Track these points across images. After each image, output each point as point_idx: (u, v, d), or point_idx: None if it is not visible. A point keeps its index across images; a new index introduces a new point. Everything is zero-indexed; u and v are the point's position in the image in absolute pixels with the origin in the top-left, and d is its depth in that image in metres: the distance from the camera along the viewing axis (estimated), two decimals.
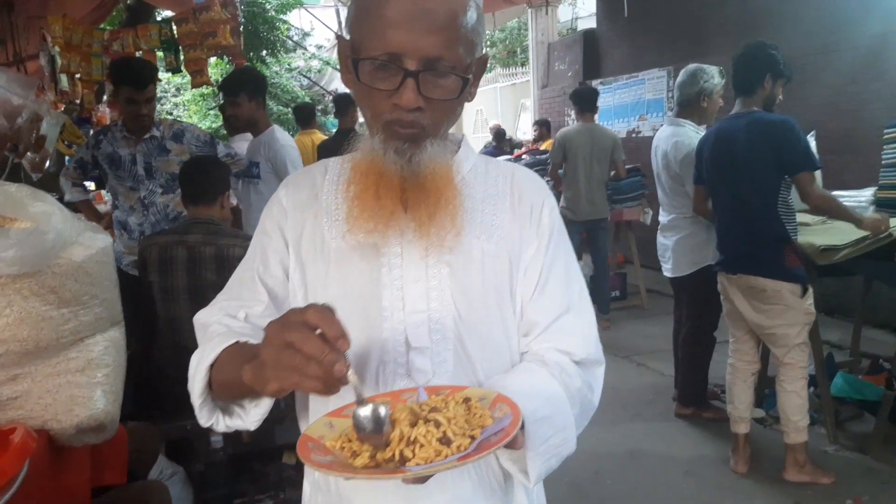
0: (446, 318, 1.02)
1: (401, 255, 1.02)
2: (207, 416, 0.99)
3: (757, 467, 3.35)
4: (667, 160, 3.72)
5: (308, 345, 0.75)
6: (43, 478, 1.15)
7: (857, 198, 3.71)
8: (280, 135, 3.68)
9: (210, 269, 2.71)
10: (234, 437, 2.87)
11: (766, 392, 3.96)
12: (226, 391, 0.97)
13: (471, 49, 0.96)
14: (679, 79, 3.76)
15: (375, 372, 1.01)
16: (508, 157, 8.96)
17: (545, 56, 10.58)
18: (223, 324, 1.05)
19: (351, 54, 0.97)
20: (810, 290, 3.05)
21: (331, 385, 0.76)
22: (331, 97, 20.08)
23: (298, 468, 2.92)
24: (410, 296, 1.02)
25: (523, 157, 8.79)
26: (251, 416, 0.99)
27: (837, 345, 4.86)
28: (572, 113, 5.99)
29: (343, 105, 5.48)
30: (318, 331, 0.77)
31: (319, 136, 6.18)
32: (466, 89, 0.97)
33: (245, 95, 3.53)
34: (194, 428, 2.74)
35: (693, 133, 3.66)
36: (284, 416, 2.99)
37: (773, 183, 3.03)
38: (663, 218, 3.93)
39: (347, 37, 1.00)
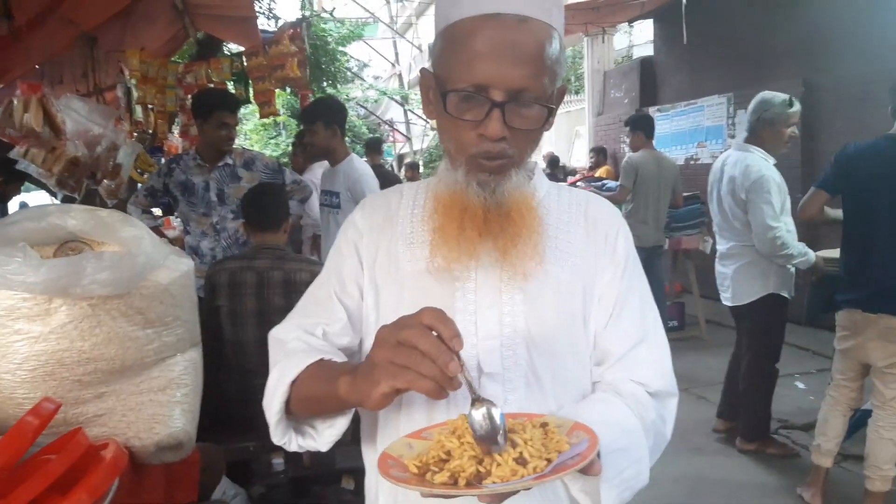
0: (518, 345, 1.03)
1: (475, 279, 1.03)
2: (282, 434, 1.02)
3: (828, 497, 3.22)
4: (733, 185, 3.60)
5: (424, 342, 0.76)
6: (125, 495, 1.20)
7: None
8: (358, 164, 3.70)
9: (278, 294, 2.78)
10: (294, 459, 2.91)
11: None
12: (306, 407, 0.99)
13: (553, 79, 0.98)
14: (750, 106, 3.68)
15: (448, 397, 1.03)
16: (563, 183, 8.97)
17: (601, 84, 10.56)
18: (303, 340, 1.07)
19: (437, 86, 0.99)
20: None
21: (444, 384, 0.76)
22: (386, 126, 20.48)
23: (357, 492, 2.94)
24: (484, 321, 1.03)
25: (578, 183, 8.77)
26: (324, 437, 1.02)
27: None
28: (628, 139, 5.93)
29: (373, 146, 7.14)
30: (435, 333, 0.78)
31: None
32: (549, 120, 0.99)
33: (321, 124, 3.56)
34: (257, 449, 2.80)
35: (762, 160, 3.54)
36: (345, 440, 3.03)
37: None
38: (722, 246, 3.84)
39: (432, 70, 1.03)
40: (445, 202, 1.01)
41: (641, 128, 5.79)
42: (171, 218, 6.27)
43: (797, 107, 3.55)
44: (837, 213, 3.25)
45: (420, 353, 0.76)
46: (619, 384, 1.05)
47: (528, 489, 0.78)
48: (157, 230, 3.92)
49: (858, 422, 3.29)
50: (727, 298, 3.84)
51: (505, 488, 0.77)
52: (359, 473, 2.90)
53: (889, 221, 2.90)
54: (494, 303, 1.03)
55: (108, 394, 1.42)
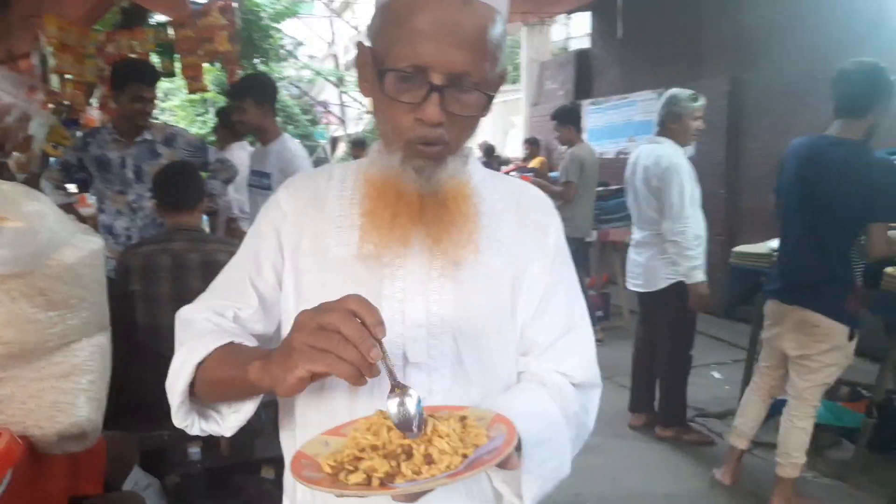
0: (445, 334, 1.01)
1: (404, 266, 1.01)
2: (184, 417, 0.99)
3: (737, 492, 3.36)
4: (647, 174, 3.77)
5: (347, 326, 0.75)
6: (22, 485, 1.12)
7: None
8: (292, 144, 3.57)
9: (195, 277, 2.68)
10: (212, 449, 2.82)
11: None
12: (212, 390, 0.96)
13: (494, 64, 0.95)
14: (659, 102, 3.91)
15: (370, 386, 1.00)
16: (496, 172, 9.02)
17: (537, 74, 10.66)
18: (212, 321, 1.04)
19: (374, 63, 0.96)
20: (856, 337, 2.99)
21: (364, 370, 0.75)
22: (320, 107, 20.15)
23: (277, 482, 2.88)
24: (411, 309, 1.00)
25: (511, 173, 8.85)
26: (229, 422, 0.99)
27: None
28: (557, 133, 5.98)
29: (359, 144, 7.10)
30: (357, 319, 0.77)
31: None
32: (488, 107, 0.96)
33: (252, 101, 3.40)
34: (171, 438, 2.70)
35: (671, 150, 3.72)
36: (263, 429, 2.96)
37: (857, 227, 2.90)
38: (637, 235, 3.99)
39: (369, 45, 0.99)
40: (378, 187, 0.98)
41: (572, 121, 5.88)
42: (87, 195, 5.98)
43: (702, 101, 3.80)
44: None
45: (342, 337, 0.75)
46: (543, 375, 1.05)
47: (443, 486, 0.76)
48: (70, 207, 3.72)
49: (772, 410, 3.45)
50: (638, 285, 3.98)
51: (417, 487, 0.75)
52: (279, 463, 2.84)
53: (803, 225, 3.02)
54: (422, 290, 1.01)
55: (5, 379, 1.33)
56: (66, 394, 1.38)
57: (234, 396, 0.96)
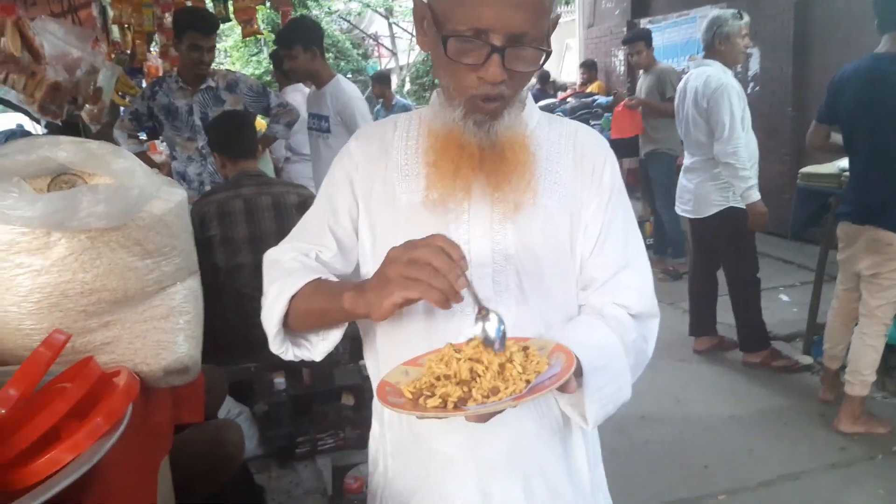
0: (509, 272, 1.07)
1: (468, 210, 1.07)
2: (279, 345, 1.10)
3: (803, 413, 3.39)
4: (696, 96, 3.73)
5: (438, 259, 0.84)
6: (135, 417, 1.26)
7: None
8: (346, 85, 3.59)
9: (268, 218, 2.80)
10: (295, 378, 3.01)
11: (814, 338, 3.95)
12: (305, 320, 1.06)
13: (548, 16, 0.99)
14: (703, 25, 3.83)
15: (444, 321, 1.08)
16: (553, 99, 8.82)
17: None
18: (299, 261, 1.13)
19: (434, 24, 0.99)
20: None
21: (451, 297, 0.84)
22: (371, 40, 19.90)
23: (357, 409, 3.06)
24: (476, 250, 1.07)
25: (568, 99, 8.65)
26: (318, 348, 1.10)
27: None
28: (635, 56, 5.73)
29: (382, 79, 7.37)
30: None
31: None
32: (546, 59, 1.00)
33: (300, 47, 3.44)
34: (258, 370, 2.89)
35: (721, 73, 3.67)
36: (341, 360, 3.12)
37: None
38: (687, 160, 3.97)
39: (425, 1, 1.02)
40: (442, 139, 1.04)
41: (648, 44, 5.68)
42: (157, 142, 6.18)
43: (747, 18, 3.73)
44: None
45: (434, 268, 0.84)
46: (602, 307, 1.11)
47: (507, 409, 0.85)
48: (144, 155, 3.88)
49: None
50: (687, 211, 3.98)
51: (486, 409, 0.84)
52: (357, 390, 3.03)
53: (868, 144, 2.98)
54: (486, 233, 1.07)
55: (113, 322, 1.45)
56: (168, 333, 1.49)
57: (325, 324, 1.06)
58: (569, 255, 1.12)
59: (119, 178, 1.46)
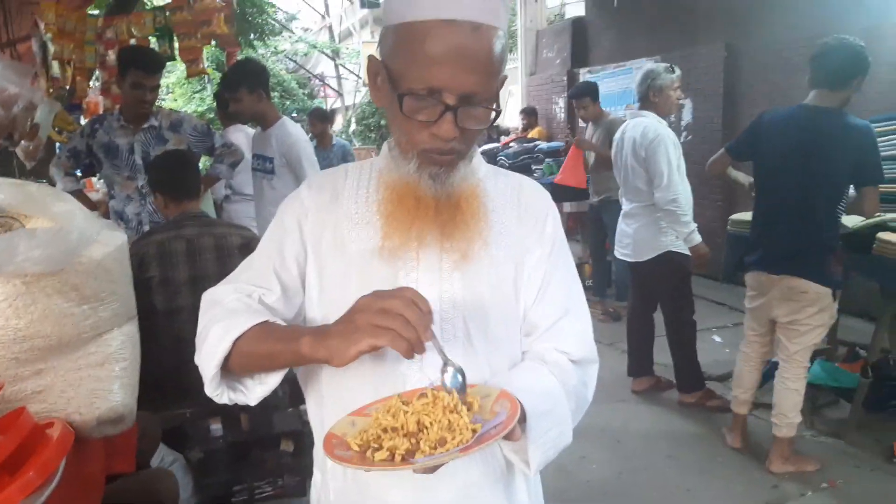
0: (457, 318, 1.10)
1: (417, 259, 1.09)
2: (215, 387, 1.07)
3: (737, 452, 3.48)
4: (633, 146, 3.89)
5: (410, 310, 0.88)
6: (68, 468, 1.22)
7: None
8: (292, 128, 3.61)
9: (210, 259, 2.76)
10: (232, 424, 2.93)
11: None
12: (247, 362, 1.04)
13: (499, 77, 1.04)
14: (637, 78, 4.04)
15: (392, 367, 1.09)
16: (496, 143, 8.99)
17: (533, 43, 10.62)
18: (243, 301, 1.10)
19: (390, 82, 1.03)
20: (839, 295, 3.14)
21: (417, 348, 0.88)
22: (317, 81, 20.00)
23: (296, 455, 3.00)
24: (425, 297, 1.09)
25: (511, 144, 8.83)
26: (255, 393, 1.08)
27: None
28: (583, 110, 5.80)
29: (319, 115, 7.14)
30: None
31: None
32: (496, 118, 1.05)
33: (245, 90, 3.46)
34: (193, 415, 2.81)
35: (657, 123, 3.85)
36: (280, 404, 3.06)
37: (843, 190, 3.03)
38: (626, 206, 4.12)
39: (381, 59, 1.06)
40: (398, 191, 1.07)
41: (597, 97, 5.84)
42: (93, 180, 6.04)
43: (678, 72, 3.95)
44: (738, 175, 3.61)
45: (405, 319, 0.87)
46: (544, 353, 1.15)
47: (456, 459, 0.86)
48: (80, 193, 3.79)
49: (767, 374, 3.56)
50: (626, 255, 4.13)
51: (434, 461, 0.85)
52: (297, 436, 2.97)
53: (788, 194, 3.12)
54: (435, 280, 1.10)
55: (46, 370, 1.41)
56: (103, 381, 1.46)
57: (269, 368, 1.05)
58: (514, 303, 1.15)
59: (58, 221, 1.44)
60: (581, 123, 6.88)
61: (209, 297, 1.16)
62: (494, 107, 1.03)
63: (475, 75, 0.97)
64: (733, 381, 3.58)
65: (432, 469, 0.90)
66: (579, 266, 6.85)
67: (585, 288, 4.46)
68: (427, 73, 0.96)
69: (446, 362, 0.96)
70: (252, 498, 2.86)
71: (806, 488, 3.12)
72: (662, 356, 4.25)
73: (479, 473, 1.11)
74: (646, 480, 3.29)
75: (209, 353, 1.05)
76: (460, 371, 0.96)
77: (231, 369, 1.06)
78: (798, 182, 3.08)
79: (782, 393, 3.22)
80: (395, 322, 0.87)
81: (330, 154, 6.59)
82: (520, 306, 1.16)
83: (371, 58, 1.09)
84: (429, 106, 0.99)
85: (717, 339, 5.28)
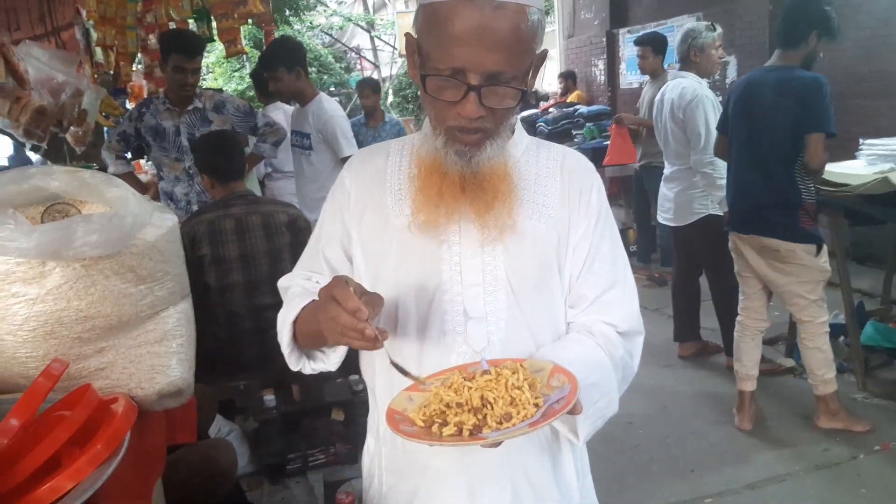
0: (500, 291, 1.12)
1: (459, 233, 1.12)
2: (296, 362, 1.18)
3: (788, 415, 3.45)
4: (672, 107, 3.84)
5: (340, 319, 0.92)
6: (132, 441, 1.29)
7: (891, 145, 3.68)
8: (328, 104, 3.64)
9: (258, 237, 2.83)
10: (285, 395, 3.02)
11: (795, 341, 4.01)
12: (308, 340, 1.14)
13: (531, 53, 1.03)
14: (677, 37, 3.95)
15: (437, 338, 1.12)
16: (535, 110, 8.90)
17: (571, 5, 10.38)
18: (301, 286, 1.22)
19: (419, 64, 1.05)
20: (825, 248, 3.09)
21: (370, 346, 0.93)
22: (353, 54, 19.95)
23: (347, 424, 3.08)
24: (468, 270, 1.12)
25: (550, 110, 8.73)
26: (331, 359, 1.17)
27: (868, 293, 4.87)
28: (645, 59, 5.57)
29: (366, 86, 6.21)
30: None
31: None
32: (523, 98, 1.04)
33: (284, 69, 3.49)
34: (247, 388, 2.91)
35: (696, 83, 3.78)
36: (331, 375, 3.15)
37: (794, 144, 2.99)
38: (667, 169, 4.07)
39: (415, 36, 1.07)
40: (426, 166, 1.09)
41: (660, 51, 5.52)
42: (142, 162, 6.19)
43: (720, 30, 3.86)
44: None
45: (342, 325, 0.92)
46: (591, 325, 1.16)
47: (525, 434, 0.88)
48: (131, 175, 3.90)
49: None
50: (668, 219, 4.09)
51: (503, 436, 0.87)
52: (347, 405, 3.05)
53: (745, 153, 3.14)
54: (477, 253, 1.12)
55: (108, 348, 1.48)
56: (161, 357, 1.53)
57: (323, 342, 1.12)
58: (557, 276, 1.16)
59: (112, 206, 1.50)
60: (640, 78, 6.42)
61: (280, 285, 1.29)
62: (521, 87, 1.02)
63: (498, 54, 0.97)
64: (734, 357, 3.50)
65: (498, 444, 0.92)
66: (623, 231, 6.73)
67: (630, 254, 4.41)
68: (450, 53, 0.97)
69: (403, 373, 1.01)
70: (306, 465, 2.96)
71: (858, 451, 3.08)
72: (710, 321, 4.20)
73: (526, 442, 1.14)
74: (693, 446, 3.29)
75: (280, 337, 1.17)
76: (418, 379, 1.01)
77: (303, 346, 1.17)
78: (748, 143, 3.12)
79: (805, 353, 3.24)
80: (336, 330, 0.93)
81: (381, 133, 5.80)
82: (564, 278, 1.17)
83: (408, 35, 1.10)
84: (453, 86, 0.99)
85: (738, 320, 5.17)
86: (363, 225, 1.18)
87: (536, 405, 0.91)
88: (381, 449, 1.23)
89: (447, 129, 1.05)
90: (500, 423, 0.89)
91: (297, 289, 1.21)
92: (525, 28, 0.98)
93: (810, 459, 3.06)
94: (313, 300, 1.11)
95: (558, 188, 1.17)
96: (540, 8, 1.03)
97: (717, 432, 3.39)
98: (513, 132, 1.17)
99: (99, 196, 1.51)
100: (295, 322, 1.14)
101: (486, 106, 1.00)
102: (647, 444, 3.32)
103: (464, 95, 0.99)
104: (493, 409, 0.91)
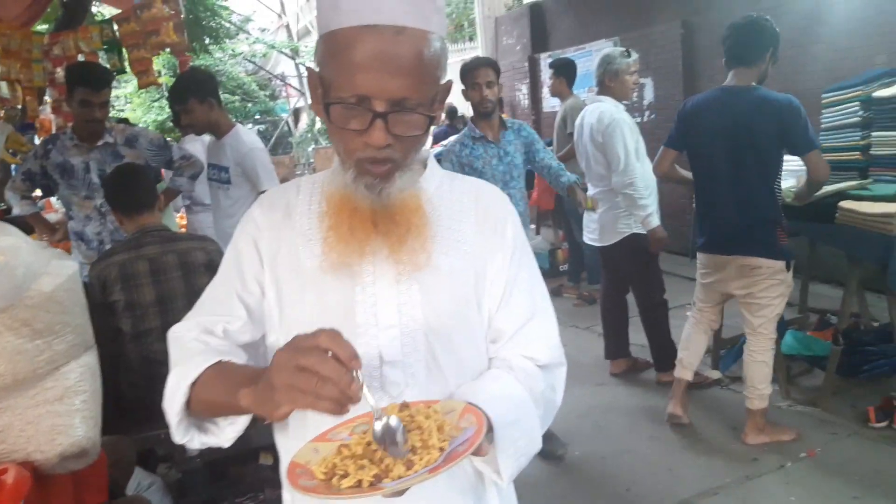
0: (417, 332, 1.08)
1: (373, 273, 1.07)
2: (183, 434, 1.03)
3: (716, 427, 3.52)
4: (591, 131, 3.91)
5: (325, 367, 0.80)
6: None
7: (797, 162, 3.85)
8: (246, 136, 3.51)
9: (175, 278, 2.71)
10: None
11: (721, 353, 4.14)
12: (206, 409, 1.01)
13: (435, 80, 1.01)
14: (594, 63, 4.05)
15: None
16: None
17: (493, 31, 10.59)
18: (201, 340, 1.09)
19: (321, 93, 1.01)
20: (792, 264, 3.20)
21: (344, 404, 0.81)
22: (278, 81, 19.78)
23: (276, 467, 2.97)
24: (383, 312, 1.07)
25: None
26: (226, 433, 1.04)
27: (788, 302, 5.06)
28: (549, 82, 5.78)
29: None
30: (330, 353, 0.81)
31: None
32: (431, 125, 1.01)
33: (195, 100, 3.35)
34: (168, 436, 2.76)
35: (613, 107, 3.87)
36: (258, 418, 3.04)
37: (776, 164, 3.11)
38: (590, 191, 4.11)
39: (317, 69, 1.03)
40: (335, 202, 1.04)
41: (566, 74, 5.78)
42: (52, 200, 5.91)
43: (635, 56, 3.97)
44: (683, 173, 3.58)
45: (321, 377, 0.79)
46: (510, 359, 1.13)
47: (425, 480, 0.84)
48: (38, 216, 3.71)
49: (739, 349, 3.61)
50: (593, 240, 4.15)
51: (403, 484, 0.83)
52: (276, 449, 2.93)
53: (723, 175, 3.21)
54: (392, 294, 1.07)
55: (2, 410, 1.38)
56: (63, 416, 1.43)
57: (225, 413, 1.01)
58: (476, 312, 1.13)
59: (4, 256, 1.40)
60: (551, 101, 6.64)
61: (171, 336, 1.14)
62: (429, 113, 0.99)
63: (402, 79, 0.94)
64: (680, 345, 3.62)
65: (401, 492, 0.87)
66: (553, 251, 6.88)
67: (560, 273, 4.51)
68: (354, 81, 0.94)
69: (377, 416, 0.89)
70: None
71: (785, 459, 3.16)
72: (638, 337, 4.28)
73: (446, 487, 1.09)
74: (629, 463, 3.31)
75: (168, 401, 1.02)
76: (392, 421, 0.90)
77: (196, 415, 1.03)
78: (728, 163, 3.18)
79: (751, 366, 3.28)
80: (311, 382, 0.80)
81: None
82: (483, 314, 1.14)
83: (309, 70, 1.07)
84: (359, 114, 0.96)
85: (690, 314, 5.32)
86: (277, 265, 1.12)
87: (441, 449, 0.88)
88: None
89: (357, 162, 1.01)
90: (407, 470, 0.86)
91: (197, 344, 1.08)
92: (427, 53, 0.96)
93: (741, 471, 3.12)
94: (219, 361, 1.01)
95: (473, 222, 1.15)
96: (442, 36, 1.01)
97: (652, 448, 3.43)
98: (425, 166, 1.15)
99: None
100: (192, 385, 1.01)
101: (393, 134, 0.97)
102: (581, 465, 3.33)
103: (370, 123, 0.96)
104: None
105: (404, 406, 0.97)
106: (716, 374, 4.08)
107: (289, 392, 0.81)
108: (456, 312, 1.11)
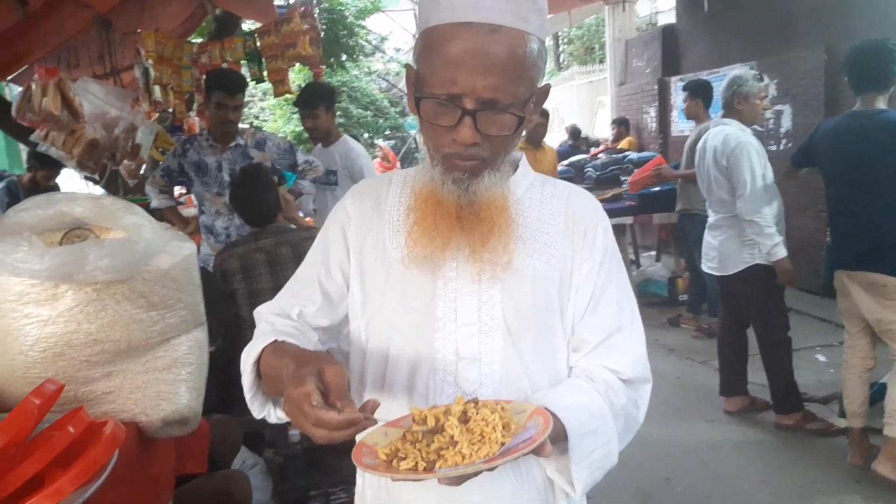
0: (495, 332, 1.07)
1: (456, 269, 1.08)
2: (259, 409, 1.10)
3: (834, 478, 3.25)
4: (715, 154, 3.76)
5: (311, 417, 0.83)
6: (131, 467, 1.27)
7: None
8: (354, 144, 3.93)
9: (290, 268, 2.83)
10: None
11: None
12: (271, 386, 1.06)
13: (531, 83, 1.00)
14: (723, 83, 3.90)
15: (426, 378, 1.08)
16: (584, 155, 8.86)
17: (623, 53, 10.41)
18: (270, 322, 1.15)
19: (415, 88, 1.03)
20: None
21: (335, 438, 0.84)
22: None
23: None
24: (463, 308, 1.07)
25: (599, 155, 8.67)
26: None
27: None
28: (679, 108, 5.62)
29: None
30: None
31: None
32: (521, 126, 1.01)
33: (323, 108, 3.72)
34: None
35: (739, 131, 3.71)
36: None
37: None
38: (711, 217, 3.96)
39: (415, 66, 1.05)
40: (422, 196, 1.06)
41: (702, 95, 5.47)
42: (193, 197, 6.38)
43: (767, 80, 3.84)
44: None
45: (304, 412, 0.84)
46: (592, 370, 1.10)
47: (480, 472, 0.84)
48: (173, 210, 4.00)
49: (878, 393, 3.34)
50: (713, 268, 3.95)
51: (457, 472, 0.84)
52: None
53: (853, 194, 3.20)
54: (474, 291, 1.07)
55: (115, 373, 1.48)
56: (169, 384, 1.52)
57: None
58: (558, 317, 1.11)
59: (128, 233, 1.52)
60: (691, 125, 6.37)
61: (255, 314, 1.22)
62: (519, 113, 0.99)
63: (494, 78, 0.94)
64: (843, 393, 3.46)
65: (458, 481, 0.87)
66: (672, 280, 6.61)
67: (680, 303, 4.40)
68: (445, 77, 0.95)
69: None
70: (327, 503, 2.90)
71: None
72: (759, 376, 4.01)
73: (512, 490, 1.08)
74: None
75: (242, 378, 1.09)
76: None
77: (266, 387, 1.08)
78: (857, 182, 3.18)
79: (893, 393, 3.10)
80: (300, 420, 0.85)
81: None
82: (566, 321, 1.12)
83: (408, 67, 1.09)
84: (449, 111, 0.97)
85: (822, 357, 4.94)
86: (363, 254, 1.15)
87: (502, 444, 0.87)
88: (366, 491, 1.19)
89: (444, 157, 1.02)
90: (461, 459, 0.86)
91: (265, 325, 1.14)
92: (522, 53, 0.96)
93: None
94: (275, 340, 1.06)
95: (562, 226, 1.13)
96: (542, 39, 1.00)
97: (761, 494, 3.20)
98: (515, 168, 1.14)
99: (117, 222, 1.53)
100: (258, 362, 1.06)
101: (482, 132, 0.97)
102: (685, 502, 3.15)
103: (459, 120, 0.96)
104: (457, 445, 0.88)
105: (474, 402, 0.97)
106: (843, 423, 3.74)
107: (293, 416, 0.87)
108: (537, 316, 1.09)
